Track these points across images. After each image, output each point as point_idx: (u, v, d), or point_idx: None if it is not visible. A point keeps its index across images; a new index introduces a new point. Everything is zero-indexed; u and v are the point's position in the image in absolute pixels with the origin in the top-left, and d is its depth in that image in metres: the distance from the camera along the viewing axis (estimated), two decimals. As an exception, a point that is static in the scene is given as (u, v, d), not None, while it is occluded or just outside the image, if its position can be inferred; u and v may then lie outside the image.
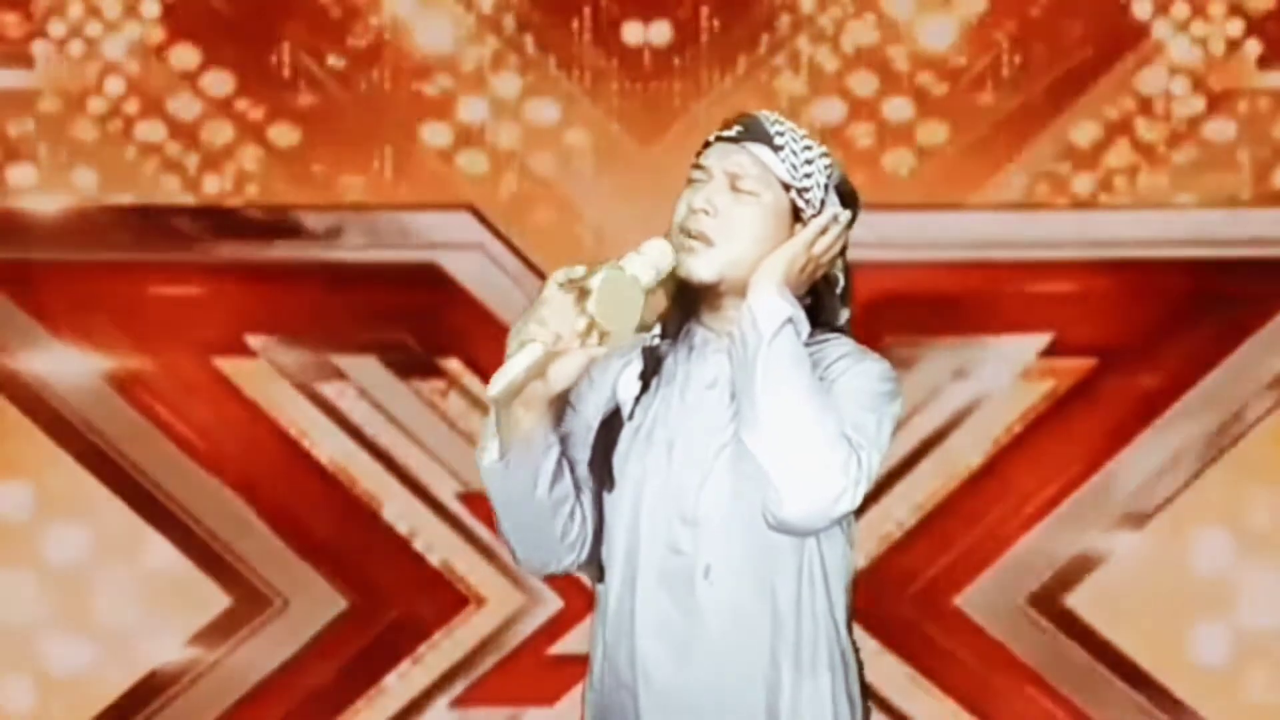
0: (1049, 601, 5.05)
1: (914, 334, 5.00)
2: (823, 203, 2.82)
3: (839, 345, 2.82)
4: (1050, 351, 5.04)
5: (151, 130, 5.02)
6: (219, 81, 5.02)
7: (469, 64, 5.04)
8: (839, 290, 2.87)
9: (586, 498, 2.83)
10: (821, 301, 2.86)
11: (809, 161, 2.79)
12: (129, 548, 5.03)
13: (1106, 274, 5.02)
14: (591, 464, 2.84)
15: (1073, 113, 5.02)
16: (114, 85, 5.01)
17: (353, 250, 5.03)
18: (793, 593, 2.76)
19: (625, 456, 2.80)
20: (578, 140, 5.03)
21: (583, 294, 2.69)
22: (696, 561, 2.75)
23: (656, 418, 2.81)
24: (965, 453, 5.05)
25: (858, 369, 2.76)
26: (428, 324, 5.03)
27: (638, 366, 2.85)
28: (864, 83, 5.03)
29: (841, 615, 2.84)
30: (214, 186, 5.01)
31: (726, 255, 2.75)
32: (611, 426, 2.83)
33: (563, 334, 2.69)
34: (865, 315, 4.85)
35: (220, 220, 5.02)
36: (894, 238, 4.97)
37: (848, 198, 2.87)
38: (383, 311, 5.03)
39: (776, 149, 2.77)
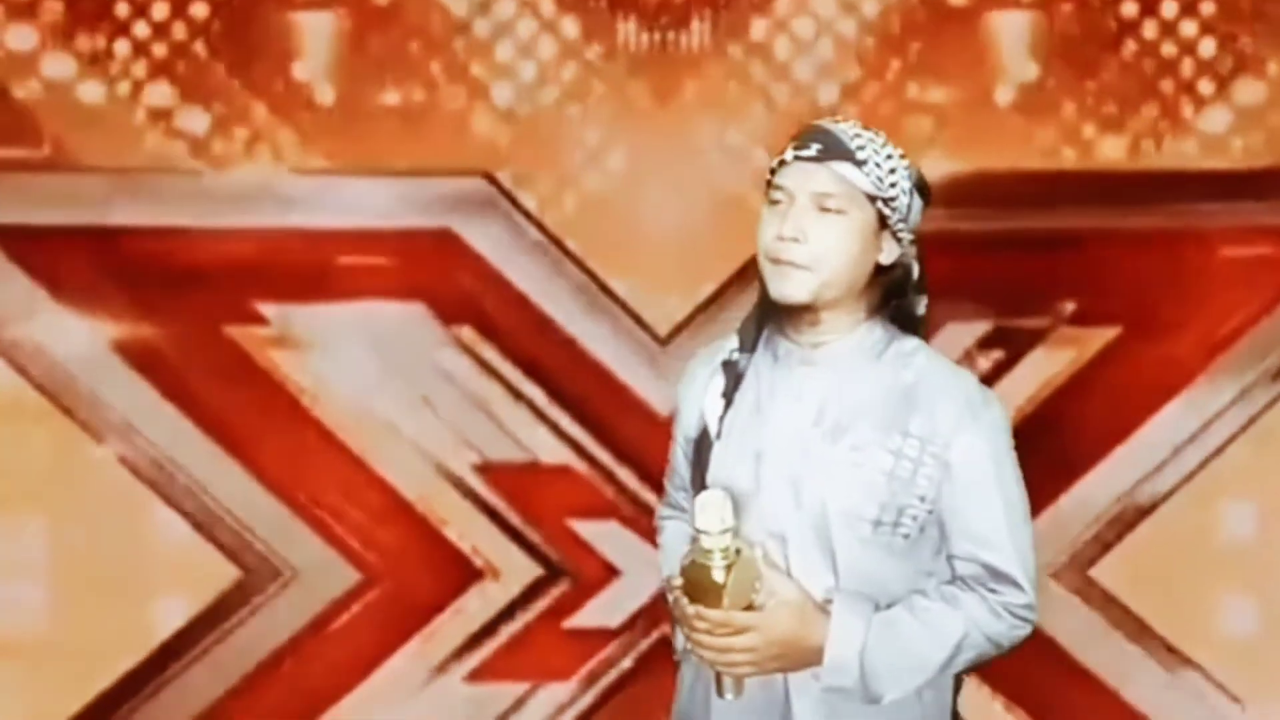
0: (1073, 572, 5.02)
1: (936, 302, 4.92)
2: (909, 206, 2.85)
3: (930, 366, 2.87)
4: (1074, 320, 4.98)
5: (159, 94, 4.98)
6: (228, 45, 4.98)
7: (483, 29, 4.99)
8: (916, 278, 2.92)
9: None
10: (904, 291, 2.92)
11: (892, 170, 2.80)
12: (136, 519, 5.01)
13: (1128, 241, 4.96)
14: (692, 481, 2.92)
15: (1097, 78, 4.96)
16: (122, 48, 4.97)
17: (366, 217, 4.96)
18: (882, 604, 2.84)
19: (718, 473, 2.84)
20: (595, 101, 4.98)
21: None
22: (787, 573, 2.81)
23: (744, 432, 2.85)
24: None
25: (972, 448, 2.81)
26: (442, 290, 4.97)
27: (720, 383, 2.89)
28: (884, 48, 4.97)
29: None
30: (224, 152, 4.97)
31: (820, 278, 2.77)
32: (701, 446, 2.88)
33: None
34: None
35: (243, 186, 4.98)
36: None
37: (924, 192, 2.90)
38: (397, 277, 4.97)
39: (859, 163, 2.78)
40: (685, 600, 2.75)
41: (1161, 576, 5.01)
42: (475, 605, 5.05)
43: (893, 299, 2.91)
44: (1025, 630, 2.87)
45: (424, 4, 4.98)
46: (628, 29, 4.98)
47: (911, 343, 2.92)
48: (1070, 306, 4.98)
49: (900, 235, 2.87)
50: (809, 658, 2.77)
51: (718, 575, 2.71)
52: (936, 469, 2.78)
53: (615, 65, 4.98)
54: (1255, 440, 4.99)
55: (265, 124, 4.98)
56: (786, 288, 2.78)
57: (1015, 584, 2.83)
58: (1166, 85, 4.97)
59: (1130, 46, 4.96)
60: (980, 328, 4.99)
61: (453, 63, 4.99)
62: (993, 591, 2.83)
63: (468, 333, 5.00)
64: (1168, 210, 4.95)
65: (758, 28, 4.98)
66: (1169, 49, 4.97)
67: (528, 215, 4.98)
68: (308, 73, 4.98)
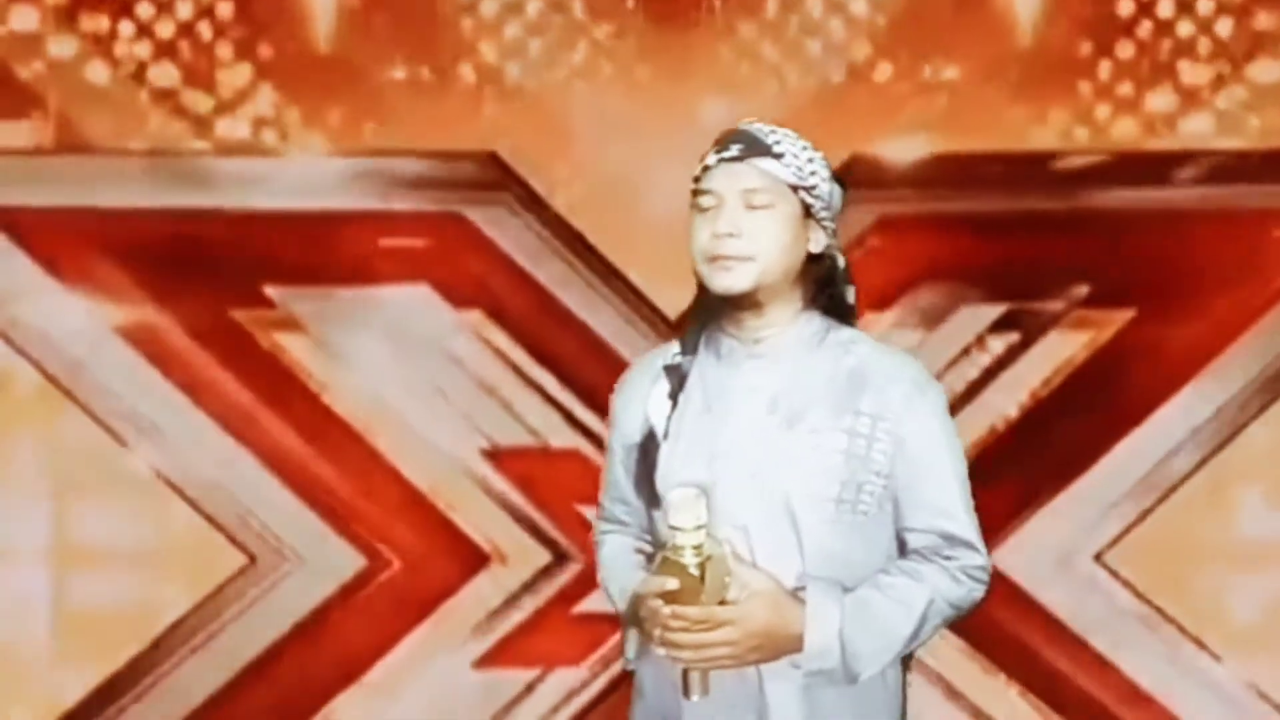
0: (1087, 557, 4.99)
1: (950, 285, 4.92)
2: (830, 194, 2.98)
3: (871, 351, 2.99)
4: (1089, 302, 4.95)
5: (164, 74, 4.96)
6: (233, 25, 4.96)
7: (490, 7, 4.96)
8: (843, 268, 3.04)
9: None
10: (834, 280, 3.03)
11: (810, 160, 2.95)
12: (140, 504, 4.99)
13: (1144, 222, 4.93)
14: (637, 484, 3.01)
15: (1112, 57, 4.94)
16: (126, 28, 4.94)
17: (372, 199, 4.94)
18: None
19: (668, 474, 2.94)
20: (603, 84, 4.96)
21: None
22: (754, 564, 2.89)
23: (694, 431, 2.95)
24: (1002, 405, 4.99)
25: (923, 424, 2.93)
26: (451, 274, 4.95)
27: (664, 386, 3.00)
28: (895, 27, 4.94)
29: None
30: (229, 133, 4.96)
31: (760, 266, 2.90)
32: (647, 448, 2.99)
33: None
34: (905, 267, 4.85)
35: (249, 168, 4.96)
36: (927, 190, 4.93)
37: (841, 182, 3.04)
38: (405, 261, 4.94)
39: (779, 157, 2.93)
40: (659, 602, 2.83)
41: (1176, 561, 4.98)
42: (485, 591, 5.03)
43: (824, 289, 3.03)
44: (982, 591, 2.97)
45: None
46: (637, 8, 4.94)
47: (849, 331, 3.03)
48: (1084, 289, 4.94)
49: (825, 225, 2.99)
50: (787, 645, 2.86)
51: (694, 572, 2.79)
52: (890, 444, 2.90)
53: (624, 45, 4.95)
54: (1272, 424, 4.96)
55: (271, 105, 4.95)
56: (728, 279, 2.90)
57: (971, 547, 2.95)
58: (1183, 64, 4.93)
59: (1146, 25, 4.92)
60: (994, 311, 4.95)
61: (460, 43, 4.96)
62: (949, 558, 2.94)
63: (477, 317, 4.98)
64: (1184, 191, 4.92)
65: (770, 6, 4.95)
66: (1185, 28, 4.93)
67: (537, 198, 4.96)
68: (314, 54, 4.95)
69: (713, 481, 2.88)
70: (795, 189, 2.93)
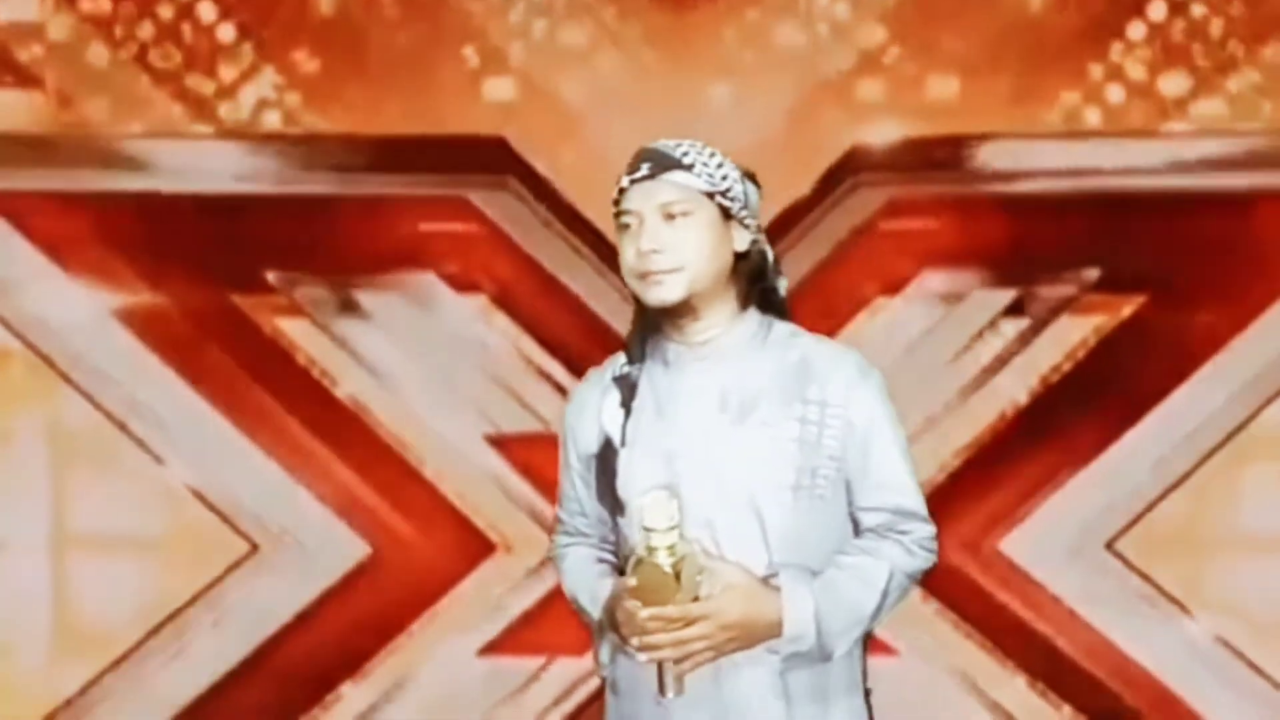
0: (1097, 545, 4.97)
1: (956, 268, 4.91)
2: (745, 194, 3.07)
3: (812, 344, 3.09)
4: (1099, 286, 4.93)
5: (165, 57, 4.95)
6: (235, 8, 4.97)
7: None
8: (772, 260, 3.13)
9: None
10: (764, 274, 3.11)
11: (720, 165, 3.04)
12: (142, 490, 5.00)
13: (1154, 206, 4.90)
14: (600, 495, 3.10)
15: (1123, 39, 4.92)
16: (127, 11, 4.94)
17: (376, 183, 4.93)
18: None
19: (629, 480, 3.03)
20: (608, 68, 4.95)
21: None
22: (722, 558, 2.97)
23: (649, 436, 3.04)
24: (1012, 391, 4.97)
25: (868, 408, 3.03)
26: (457, 258, 4.94)
27: (616, 395, 3.09)
28: (902, 10, 4.94)
29: None
30: (231, 116, 4.96)
31: (689, 276, 2.99)
32: (606, 457, 3.07)
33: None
34: (907, 251, 4.84)
35: (236, 151, 4.95)
36: (936, 173, 4.91)
37: (754, 181, 3.13)
38: (409, 246, 4.94)
39: (688, 168, 3.01)
40: (636, 604, 2.90)
41: (1188, 549, 4.97)
42: (490, 579, 5.03)
43: (756, 283, 3.11)
44: (933, 560, 3.08)
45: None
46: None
47: (788, 326, 3.13)
48: (1095, 273, 4.92)
49: (746, 222, 3.08)
50: (764, 633, 2.96)
51: (669, 571, 2.86)
52: (840, 428, 3.01)
53: (630, 28, 4.93)
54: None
55: (273, 88, 4.95)
56: (660, 292, 2.99)
57: (921, 519, 3.07)
58: (1195, 47, 4.90)
59: (1158, 7, 4.91)
60: (1005, 295, 4.94)
61: (466, 26, 4.94)
62: (903, 533, 3.06)
63: (482, 302, 4.97)
64: (1195, 175, 4.90)
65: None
66: (1198, 9, 4.91)
67: (543, 183, 4.95)
68: (318, 36, 4.95)
69: (674, 482, 2.96)
70: (710, 195, 3.01)
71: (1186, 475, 4.95)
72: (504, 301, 4.96)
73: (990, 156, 4.91)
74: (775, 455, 2.97)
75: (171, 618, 5.02)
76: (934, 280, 4.89)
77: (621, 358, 3.13)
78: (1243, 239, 4.89)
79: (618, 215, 3.05)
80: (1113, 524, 4.97)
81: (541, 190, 4.94)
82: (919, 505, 3.06)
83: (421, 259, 4.95)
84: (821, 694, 3.02)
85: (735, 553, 2.96)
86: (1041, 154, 4.91)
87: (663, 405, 3.04)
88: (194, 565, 5.02)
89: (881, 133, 4.90)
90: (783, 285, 3.15)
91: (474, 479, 5.00)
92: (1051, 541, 4.98)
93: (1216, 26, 4.91)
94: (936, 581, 4.88)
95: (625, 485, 3.03)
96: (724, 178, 3.03)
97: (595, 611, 3.10)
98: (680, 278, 2.98)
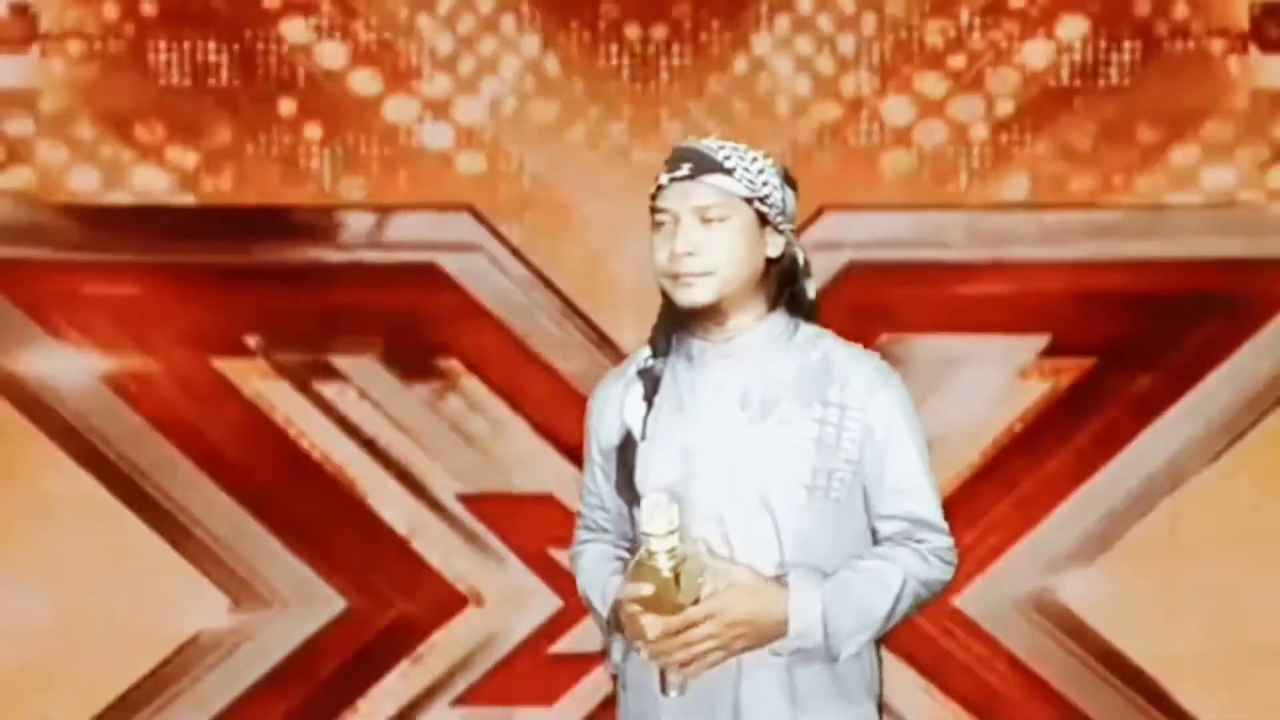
0: (1048, 601, 5.04)
1: (913, 331, 4.98)
2: (783, 200, 3.01)
3: (835, 345, 3.04)
4: (1049, 351, 5.01)
5: (148, 130, 5.01)
6: (216, 80, 5.02)
7: (467, 66, 5.03)
8: (803, 264, 3.06)
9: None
10: (795, 277, 3.06)
11: (761, 171, 2.98)
12: (128, 549, 5.02)
13: (1107, 273, 5.00)
14: (617, 486, 3.03)
15: (1073, 115, 5.01)
16: (114, 85, 5.01)
17: (352, 250, 5.00)
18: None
19: (646, 472, 2.97)
20: (576, 140, 5.02)
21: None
22: (732, 556, 2.92)
23: (668, 430, 2.98)
24: (965, 451, 5.03)
25: (887, 413, 2.98)
26: (427, 324, 5.01)
27: (639, 389, 3.03)
28: (862, 82, 5.02)
29: None
30: (211, 187, 5.01)
31: (720, 279, 2.94)
32: (626, 450, 3.00)
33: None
34: (865, 312, 4.87)
35: (218, 220, 5.02)
36: (896, 237, 4.99)
37: (792, 185, 3.05)
38: (382, 312, 5.01)
39: (729, 172, 2.95)
40: (637, 609, 2.86)
41: (1138, 605, 5.03)
42: (461, 632, 5.06)
43: (786, 287, 3.06)
44: (951, 573, 3.01)
45: (408, 43, 5.02)
46: (609, 67, 5.02)
47: (813, 328, 3.07)
48: (1045, 338, 5.00)
49: (781, 228, 3.03)
50: (772, 631, 2.89)
51: (667, 575, 2.80)
52: (859, 431, 2.95)
53: (598, 102, 5.02)
54: (1227, 470, 5.02)
55: (252, 159, 5.00)
56: (690, 295, 2.95)
57: (937, 529, 2.99)
58: (1141, 124, 5.00)
59: (1101, 83, 5.00)
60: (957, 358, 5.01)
61: (437, 100, 5.02)
62: (919, 541, 2.98)
63: (452, 364, 5.03)
64: (1138, 242, 4.98)
65: (739, 64, 5.02)
66: (1148, 88, 5.00)
67: (511, 249, 5.01)
68: (295, 110, 5.02)
69: (689, 477, 2.92)
70: (749, 201, 2.97)
71: (1129, 532, 5.00)
72: (474, 365, 5.01)
73: (944, 226, 5.00)
74: (791, 454, 2.92)
75: (151, 672, 5.04)
76: (886, 344, 4.90)
77: (645, 351, 3.08)
78: (1185, 304, 4.98)
79: (654, 212, 3.00)
80: (1062, 581, 5.02)
81: (510, 258, 5.01)
82: (936, 515, 2.99)
83: (396, 324, 5.01)
84: (831, 696, 2.96)
85: (748, 550, 2.91)
86: (991, 223, 4.99)
87: (684, 400, 2.99)
88: (174, 619, 5.04)
89: (839, 202, 4.96)
90: (811, 288, 3.10)
91: (446, 536, 5.04)
92: (1005, 598, 5.03)
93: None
94: (894, 637, 4.90)
95: (643, 479, 2.96)
96: (764, 183, 2.97)
97: (605, 610, 3.05)
98: (711, 281, 2.93)
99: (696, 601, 2.84)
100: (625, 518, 3.09)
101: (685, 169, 2.97)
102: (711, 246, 2.94)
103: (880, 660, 3.06)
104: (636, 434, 3.00)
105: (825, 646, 2.90)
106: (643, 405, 3.01)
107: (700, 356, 3.02)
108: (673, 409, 3.00)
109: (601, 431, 3.10)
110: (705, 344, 3.02)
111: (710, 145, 3.00)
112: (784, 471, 2.91)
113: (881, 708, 3.06)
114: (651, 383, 3.02)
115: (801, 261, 3.07)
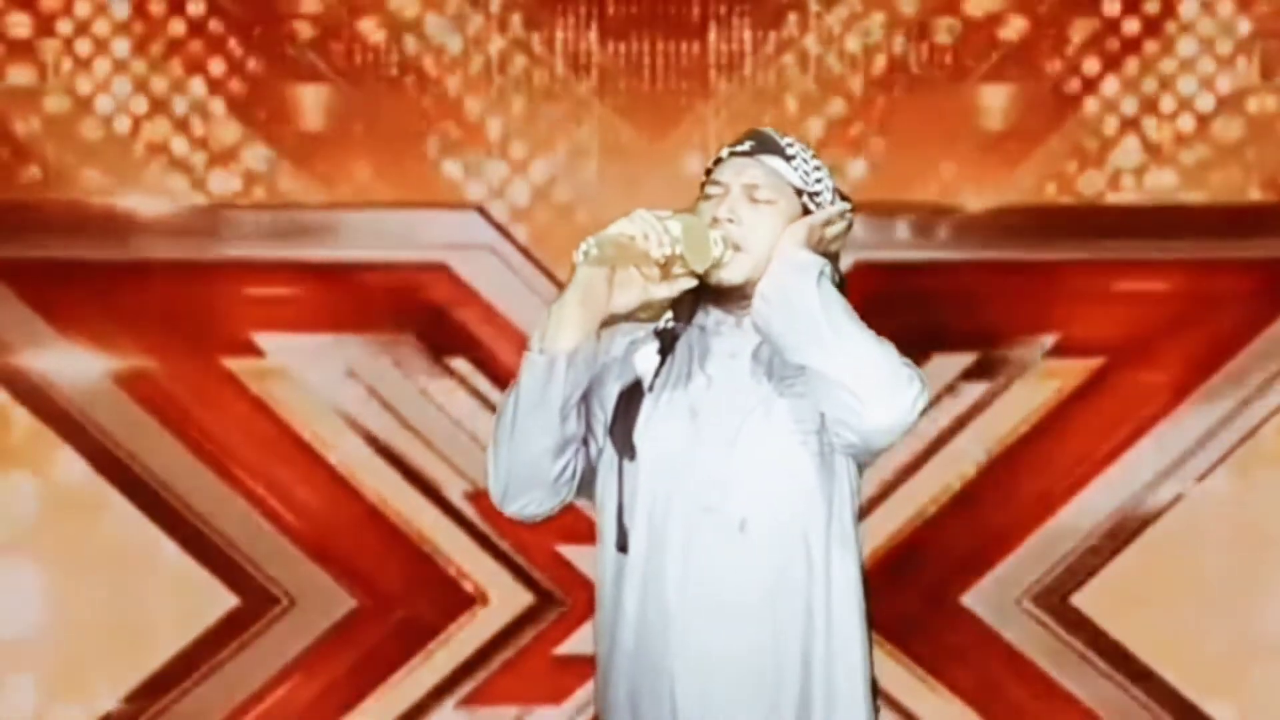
0: (1056, 599, 5.05)
1: (922, 333, 4.95)
2: (831, 204, 3.01)
3: None
4: (1057, 351, 5.03)
5: (158, 129, 5.02)
6: (227, 80, 5.03)
7: (476, 64, 5.04)
8: (838, 284, 3.01)
9: (582, 457, 2.98)
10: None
11: (818, 169, 3.00)
12: (133, 546, 5.04)
13: (1116, 272, 5.03)
14: (612, 433, 2.98)
15: (1082, 112, 5.02)
16: (120, 84, 5.01)
17: (363, 249, 5.02)
18: (823, 543, 2.93)
19: (646, 426, 2.95)
20: (586, 140, 5.03)
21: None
22: (730, 517, 2.90)
23: (677, 389, 2.97)
24: (972, 452, 5.04)
25: None
26: (437, 324, 5.03)
27: (654, 344, 3.01)
28: (870, 83, 5.03)
29: (860, 564, 2.98)
30: (221, 185, 5.02)
31: (753, 259, 2.93)
32: (630, 400, 2.97)
33: (649, 236, 2.84)
34: (875, 313, 4.89)
35: (231, 219, 5.04)
36: (900, 238, 5.01)
37: (846, 200, 3.06)
38: (392, 311, 5.02)
39: (788, 159, 2.98)
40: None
41: (1144, 604, 5.04)
42: (467, 632, 5.07)
43: None
44: (918, 391, 2.90)
45: (416, 43, 5.03)
46: (617, 64, 5.03)
47: None
48: (1053, 338, 5.02)
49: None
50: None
51: (681, 217, 2.88)
52: None
53: (605, 102, 5.03)
54: (1234, 471, 5.04)
55: (262, 158, 5.02)
56: (722, 273, 2.94)
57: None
58: (1148, 121, 5.02)
59: (1112, 83, 5.01)
60: (965, 359, 5.05)
61: (445, 99, 5.03)
62: None
63: (461, 364, 5.04)
64: (1149, 242, 5.00)
65: (749, 62, 5.03)
66: (1149, 85, 5.02)
67: (521, 248, 5.03)
68: (305, 107, 5.03)
69: (695, 441, 2.91)
70: (799, 192, 2.98)
71: (1139, 533, 5.02)
72: (483, 365, 5.02)
73: (954, 223, 5.03)
74: (795, 417, 2.91)
75: (159, 671, 5.05)
76: (895, 344, 4.91)
77: (668, 313, 3.05)
78: (1189, 305, 5.01)
79: (705, 185, 3.01)
80: (1069, 582, 5.04)
81: (520, 256, 5.02)
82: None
83: (405, 323, 5.03)
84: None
85: (747, 511, 2.90)
86: (1003, 220, 5.02)
87: (695, 362, 2.98)
88: (181, 619, 5.05)
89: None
90: (837, 279, 3.06)
91: (453, 534, 5.05)
92: (1009, 598, 5.05)
93: (1168, 102, 5.01)
94: (902, 634, 4.98)
95: (642, 432, 2.95)
96: (817, 180, 2.99)
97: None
98: (744, 260, 2.92)
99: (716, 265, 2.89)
100: (613, 469, 3.00)
101: (747, 145, 3.00)
102: (754, 223, 2.94)
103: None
104: (645, 384, 2.99)
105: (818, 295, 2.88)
106: (656, 358, 3.00)
107: (716, 326, 3.01)
108: (683, 369, 2.99)
109: (612, 368, 3.04)
110: (722, 315, 3.01)
111: (776, 133, 3.03)
112: (786, 435, 2.92)
113: (877, 692, 3.03)
114: (670, 339, 3.01)
115: (839, 280, 3.04)
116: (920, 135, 5.03)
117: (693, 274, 2.89)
